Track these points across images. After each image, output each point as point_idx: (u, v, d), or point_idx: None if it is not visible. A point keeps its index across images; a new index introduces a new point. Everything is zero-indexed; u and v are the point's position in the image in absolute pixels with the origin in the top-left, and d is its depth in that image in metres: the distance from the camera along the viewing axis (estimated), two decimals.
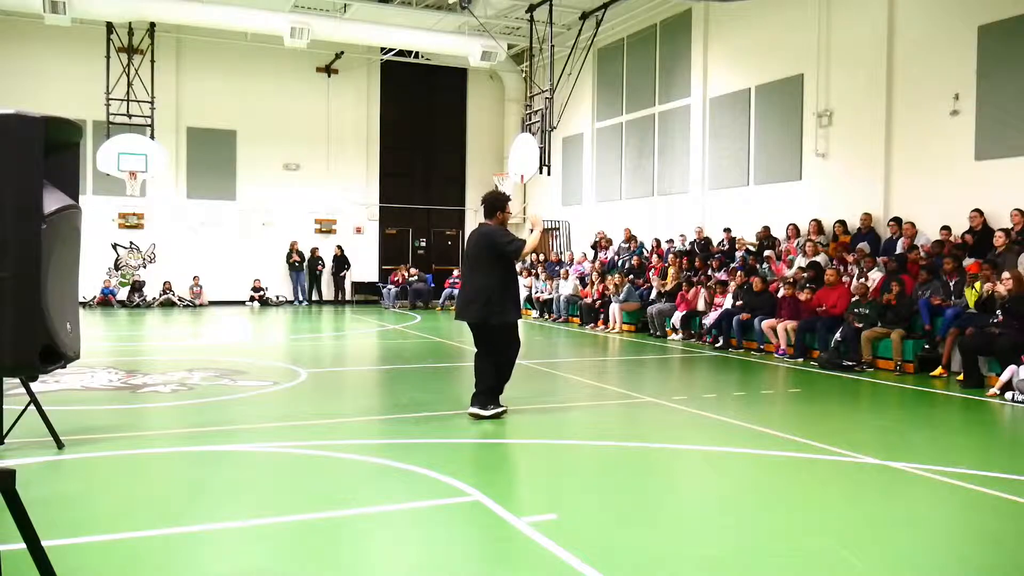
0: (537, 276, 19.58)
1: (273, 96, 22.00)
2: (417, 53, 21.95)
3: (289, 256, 22.06)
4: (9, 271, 2.10)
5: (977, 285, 9.68)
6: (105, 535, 4.01)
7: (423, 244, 24.32)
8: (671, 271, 15.18)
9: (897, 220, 12.37)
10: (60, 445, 5.62)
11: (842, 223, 13.38)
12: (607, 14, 17.40)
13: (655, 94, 18.48)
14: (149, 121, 18.79)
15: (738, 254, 14.76)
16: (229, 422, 6.84)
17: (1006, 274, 9.08)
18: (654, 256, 17.10)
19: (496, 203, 7.05)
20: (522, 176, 17.68)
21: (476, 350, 7.08)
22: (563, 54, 17.74)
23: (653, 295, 15.24)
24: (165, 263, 21.24)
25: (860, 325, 10.48)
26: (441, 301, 20.91)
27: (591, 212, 20.52)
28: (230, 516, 4.35)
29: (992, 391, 8.34)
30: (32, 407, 5.62)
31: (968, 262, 10.59)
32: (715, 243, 15.97)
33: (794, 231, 14.04)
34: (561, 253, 20.74)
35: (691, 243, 16.45)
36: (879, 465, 5.52)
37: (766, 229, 14.67)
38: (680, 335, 13.93)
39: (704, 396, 8.37)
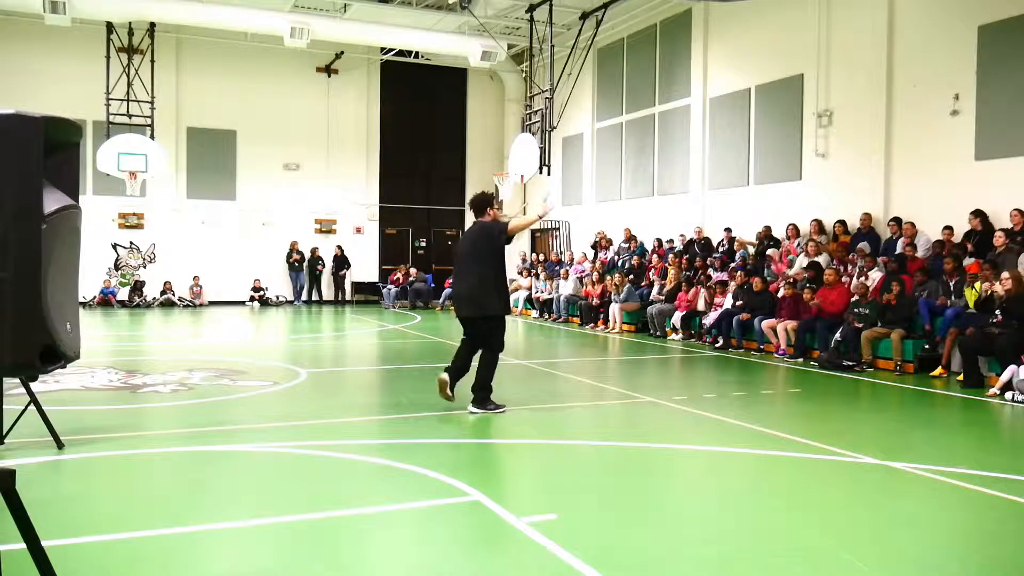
0: (537, 276, 19.58)
1: (273, 96, 22.00)
2: (417, 53, 21.95)
3: (289, 256, 22.06)
4: (9, 271, 2.10)
5: (977, 285, 9.68)
6: (105, 535, 4.01)
7: (423, 244, 24.32)
8: (671, 271, 15.18)
9: (897, 220, 12.37)
10: (60, 445, 5.62)
11: (842, 223, 13.38)
12: (607, 14, 17.40)
13: (655, 94, 18.48)
14: (149, 121, 18.79)
15: (738, 254, 14.76)
16: (229, 422, 6.84)
17: (1005, 274, 9.08)
18: (654, 256, 17.10)
19: (484, 202, 7.30)
20: (522, 176, 17.68)
21: (464, 339, 7.32)
22: (563, 54, 17.74)
23: (654, 294, 15.24)
24: (165, 263, 21.24)
25: (860, 325, 10.48)
26: (441, 301, 20.91)
27: (591, 212, 20.52)
28: (230, 516, 4.35)
29: (992, 391, 8.34)
30: (32, 407, 5.62)
31: (968, 262, 10.59)
32: (715, 243, 15.97)
33: (794, 231, 14.04)
34: (561, 253, 20.74)
35: (690, 240, 16.44)
36: (879, 465, 5.52)
37: (766, 229, 14.67)
38: (680, 335, 13.93)
39: (704, 396, 8.37)
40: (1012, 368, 8.22)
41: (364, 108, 23.15)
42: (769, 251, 14.03)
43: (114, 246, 20.95)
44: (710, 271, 14.58)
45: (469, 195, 24.43)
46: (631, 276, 16.20)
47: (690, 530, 4.28)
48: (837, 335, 10.57)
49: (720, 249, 15.49)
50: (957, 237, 11.38)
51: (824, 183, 14.15)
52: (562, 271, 18.72)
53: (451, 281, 7.34)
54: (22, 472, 2.53)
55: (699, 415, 7.28)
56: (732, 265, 14.18)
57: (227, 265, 21.65)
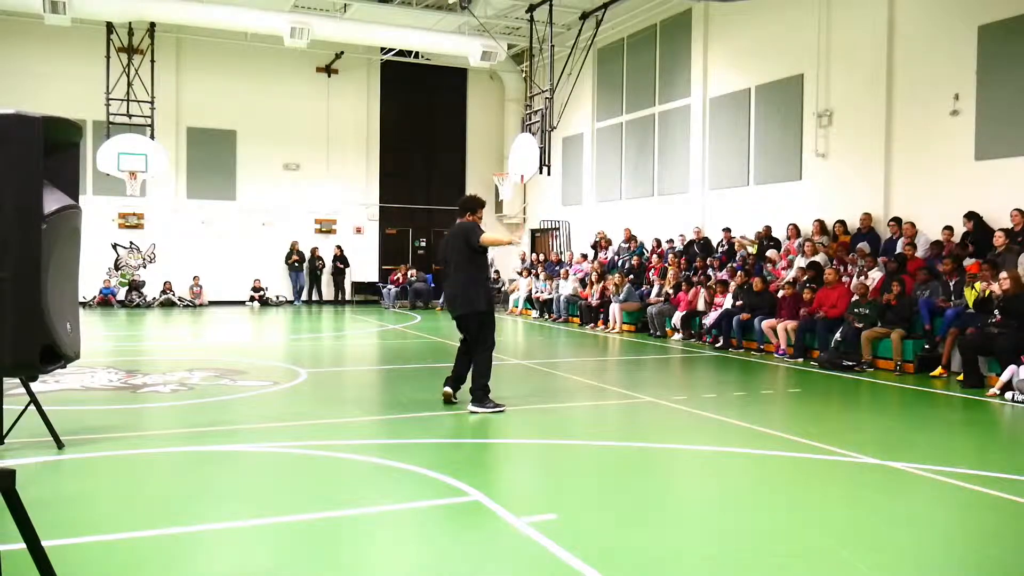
0: (537, 276, 19.58)
1: (273, 96, 22.00)
2: (417, 53, 21.94)
3: (289, 256, 22.06)
4: (9, 271, 2.10)
5: (977, 285, 9.68)
6: (105, 535, 4.01)
7: (423, 244, 24.32)
8: (670, 272, 15.18)
9: (897, 220, 12.37)
10: (60, 445, 5.62)
11: (842, 223, 13.38)
12: (607, 14, 17.40)
13: (655, 94, 18.48)
14: (149, 121, 18.79)
15: (738, 254, 14.76)
16: (229, 422, 6.84)
17: (1003, 274, 9.09)
18: (654, 256, 17.10)
19: (467, 205, 7.40)
20: (522, 176, 17.67)
21: (460, 346, 7.48)
22: (563, 54, 17.74)
23: (654, 295, 15.24)
24: (165, 263, 21.24)
25: (860, 325, 10.49)
26: (441, 301, 20.88)
27: (591, 212, 20.52)
28: (230, 516, 4.35)
29: (992, 391, 8.34)
30: (32, 407, 5.62)
31: (968, 262, 10.59)
32: (715, 243, 15.97)
33: (794, 231, 14.04)
34: (561, 253, 20.74)
35: (690, 240, 16.44)
36: (879, 465, 5.52)
37: (766, 229, 14.68)
38: (680, 335, 13.93)
39: (704, 396, 8.37)
40: (1012, 368, 8.22)
41: (364, 108, 23.15)
42: (769, 252, 14.03)
43: (114, 246, 20.95)
44: (710, 271, 14.58)
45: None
46: (631, 276, 16.20)
47: (690, 530, 4.28)
48: (837, 335, 10.58)
49: (720, 249, 15.50)
50: (956, 237, 11.38)
51: (824, 183, 14.15)
52: (562, 271, 18.71)
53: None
54: (22, 472, 2.53)
55: (699, 415, 7.28)
56: (732, 265, 14.18)
57: (227, 265, 21.65)
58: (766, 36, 15.39)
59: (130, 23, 18.94)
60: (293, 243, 22.07)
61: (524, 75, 21.71)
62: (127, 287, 20.80)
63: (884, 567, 3.69)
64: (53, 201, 2.24)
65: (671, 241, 17.06)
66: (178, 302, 20.89)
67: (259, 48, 21.23)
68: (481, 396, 7.23)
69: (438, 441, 6.32)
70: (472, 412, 7.14)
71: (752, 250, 14.52)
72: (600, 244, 19.05)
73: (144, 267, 21.21)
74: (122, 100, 18.73)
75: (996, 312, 9.04)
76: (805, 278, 12.13)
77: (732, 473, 5.53)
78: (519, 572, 3.62)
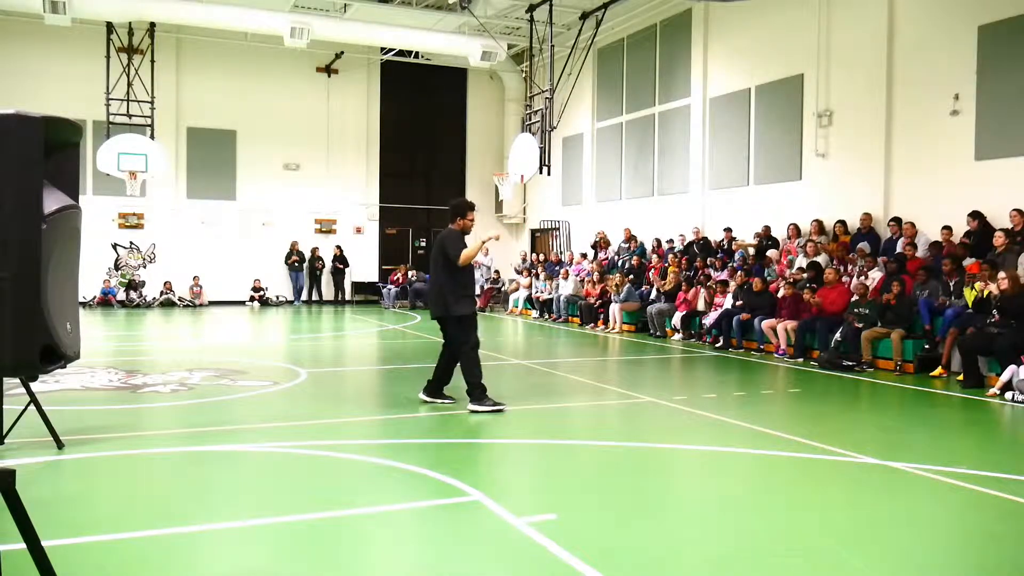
0: (537, 276, 19.58)
1: (273, 96, 22.00)
2: (417, 53, 21.94)
3: (289, 256, 22.06)
4: (9, 271, 2.10)
5: (977, 285, 9.68)
6: (105, 535, 4.01)
7: (423, 244, 24.31)
8: (670, 272, 15.18)
9: (897, 220, 12.37)
10: (60, 445, 5.62)
11: (842, 223, 13.38)
12: (607, 14, 17.40)
13: (655, 94, 18.48)
14: (149, 121, 18.80)
15: (737, 254, 14.76)
16: (229, 422, 6.84)
17: (1001, 274, 9.09)
18: (654, 256, 17.10)
19: (456, 209, 7.51)
20: (522, 176, 17.68)
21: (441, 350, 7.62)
22: (563, 54, 17.74)
23: (653, 295, 15.24)
24: (165, 263, 21.24)
25: (860, 325, 10.48)
26: None
27: (591, 212, 20.52)
28: (230, 516, 4.35)
29: (992, 391, 8.34)
30: (32, 407, 5.62)
31: (968, 262, 10.59)
32: (715, 243, 15.97)
33: (794, 231, 14.04)
34: (561, 253, 20.74)
35: (690, 240, 16.44)
36: (879, 465, 5.52)
37: (766, 229, 14.68)
38: (680, 335, 13.93)
39: (704, 396, 8.37)
40: (1012, 368, 8.22)
41: (364, 108, 23.15)
42: (770, 252, 14.03)
43: (114, 246, 20.95)
44: (710, 271, 14.58)
45: (469, 195, 24.72)
46: (631, 276, 16.20)
47: (690, 530, 4.28)
48: (837, 335, 10.57)
49: (720, 249, 15.50)
50: (956, 237, 11.38)
51: (824, 183, 14.15)
52: (562, 271, 18.72)
53: None
54: (22, 472, 2.53)
55: (699, 415, 7.28)
56: (732, 265, 14.18)
57: (227, 265, 21.65)
58: (766, 36, 15.39)
59: (130, 23, 18.94)
60: (293, 243, 22.07)
61: (524, 75, 21.72)
62: (127, 287, 20.80)
63: (884, 567, 3.69)
64: (53, 201, 2.24)
65: (671, 241, 17.07)
66: (178, 302, 20.89)
67: (259, 48, 21.23)
68: (479, 395, 7.24)
69: (438, 441, 6.32)
70: (472, 411, 7.16)
71: (751, 251, 14.52)
72: (600, 244, 19.04)
73: (144, 267, 21.21)
74: (122, 100, 18.74)
75: (995, 312, 9.04)
76: (805, 278, 12.13)
77: (732, 473, 5.53)
78: (519, 572, 3.62)
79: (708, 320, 13.26)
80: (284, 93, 22.11)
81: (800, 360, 11.14)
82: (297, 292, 22.11)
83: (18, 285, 2.11)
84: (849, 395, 8.75)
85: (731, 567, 3.68)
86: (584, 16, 17.90)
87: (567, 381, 9.42)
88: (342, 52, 21.85)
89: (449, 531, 4.20)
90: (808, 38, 14.34)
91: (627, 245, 18.06)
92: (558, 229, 22.06)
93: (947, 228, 11.52)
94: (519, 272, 20.74)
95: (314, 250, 22.38)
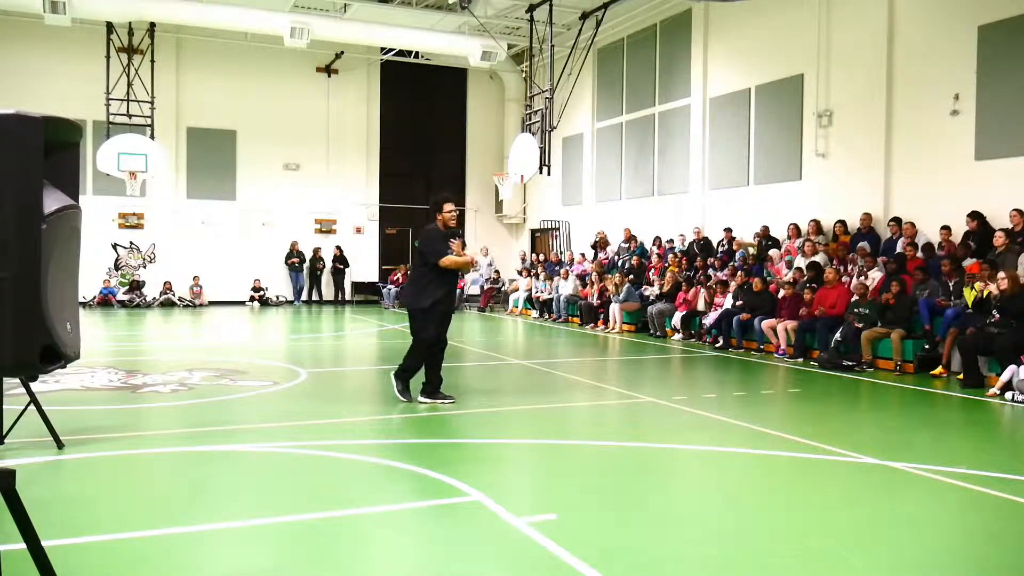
0: (537, 276, 19.58)
1: (273, 96, 22.00)
2: (417, 53, 21.94)
3: (289, 257, 22.05)
4: (9, 271, 2.10)
5: (977, 285, 9.68)
6: (105, 535, 4.01)
7: None
8: (668, 272, 15.18)
9: (897, 220, 12.37)
10: (60, 445, 5.62)
11: (842, 223, 13.38)
12: (607, 14, 17.40)
13: (655, 94, 18.48)
14: (149, 121, 18.80)
15: (737, 254, 14.76)
16: (229, 422, 6.84)
17: (1001, 274, 9.09)
18: (654, 256, 17.10)
19: (434, 206, 7.69)
20: (522, 176, 17.68)
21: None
22: (563, 54, 17.74)
23: (652, 295, 15.24)
24: (165, 263, 21.24)
25: (860, 325, 10.48)
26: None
27: (591, 212, 20.52)
28: (230, 516, 4.35)
29: (992, 391, 8.34)
30: (32, 407, 5.62)
31: (968, 262, 10.59)
32: (715, 243, 15.97)
33: (794, 231, 14.04)
34: (561, 253, 20.74)
35: (690, 240, 16.44)
36: (879, 465, 5.52)
37: (765, 229, 14.68)
38: (680, 335, 13.93)
39: (704, 396, 8.37)
40: (1012, 368, 8.22)
41: (364, 108, 23.15)
42: (772, 251, 14.03)
43: (114, 246, 20.95)
44: (710, 271, 14.58)
45: (469, 195, 24.71)
46: (631, 276, 16.20)
47: (690, 530, 4.28)
48: (837, 335, 10.57)
49: (720, 249, 15.50)
50: (956, 237, 11.38)
51: (824, 183, 14.15)
52: (562, 271, 18.72)
53: None
54: (22, 472, 2.53)
55: (699, 415, 7.28)
56: (732, 264, 14.18)
57: (227, 265, 21.65)
58: (766, 36, 15.39)
59: (130, 23, 18.94)
60: (293, 243, 22.07)
61: (524, 75, 21.71)
62: (127, 287, 20.80)
63: (884, 567, 3.69)
64: (53, 201, 2.24)
65: (671, 241, 17.07)
66: (178, 302, 20.89)
67: (259, 48, 21.23)
68: (400, 375, 7.63)
69: (438, 441, 6.32)
70: (395, 396, 7.61)
71: (752, 251, 14.53)
72: (600, 244, 19.04)
73: (144, 267, 21.21)
74: (122, 100, 18.74)
75: (995, 312, 9.04)
76: (805, 278, 12.13)
77: (732, 473, 5.53)
78: (519, 572, 3.62)
79: (708, 320, 13.26)
80: (284, 93, 22.12)
81: (800, 360, 11.14)
82: (297, 292, 22.11)
83: (18, 285, 2.11)
84: (849, 395, 8.75)
85: (731, 567, 3.68)
86: (584, 16, 17.90)
87: (567, 381, 9.42)
88: (342, 52, 21.85)
89: (449, 531, 4.20)
90: (808, 38, 14.34)
91: (627, 245, 18.06)
92: (558, 229, 22.06)
93: (947, 228, 11.52)
94: (519, 273, 20.74)
95: (316, 250, 22.39)
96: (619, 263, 17.56)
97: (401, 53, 21.93)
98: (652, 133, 18.58)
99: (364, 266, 23.42)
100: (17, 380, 6.57)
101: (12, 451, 5.55)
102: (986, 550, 4.05)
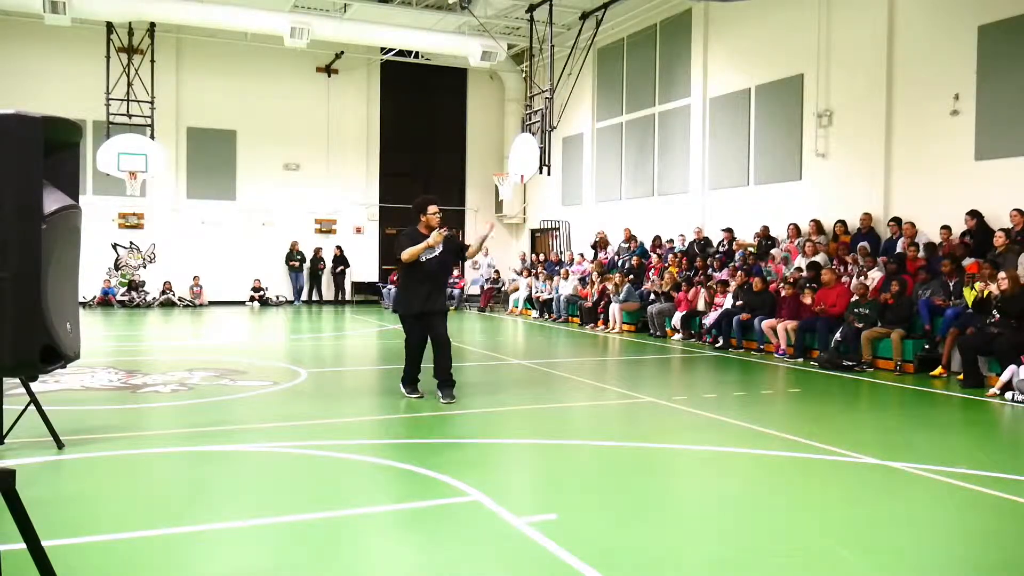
0: (537, 276, 19.58)
1: (273, 96, 22.00)
2: (417, 53, 21.94)
3: (289, 258, 22.05)
4: (9, 271, 2.10)
5: (977, 285, 9.68)
6: (105, 535, 4.01)
7: None
8: (668, 272, 15.18)
9: (897, 220, 12.37)
10: (60, 445, 5.62)
11: (842, 223, 13.38)
12: (607, 14, 17.40)
13: (655, 94, 18.48)
14: (149, 121, 18.80)
15: (737, 254, 14.76)
16: (229, 422, 6.84)
17: (1001, 274, 9.09)
18: (654, 256, 17.10)
19: (417, 208, 7.84)
20: (522, 176, 17.68)
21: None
22: (563, 54, 17.74)
23: (652, 295, 15.24)
24: (165, 263, 21.24)
25: (860, 325, 10.48)
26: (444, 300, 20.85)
27: (591, 212, 20.52)
28: (230, 516, 4.35)
29: (992, 391, 8.34)
30: (32, 407, 5.62)
31: (968, 262, 10.59)
32: (715, 243, 15.97)
33: (794, 231, 14.04)
34: (561, 253, 20.74)
35: (690, 240, 16.44)
36: (879, 465, 5.52)
37: (766, 229, 14.68)
38: (680, 335, 13.93)
39: (704, 396, 8.37)
40: (1012, 368, 8.22)
41: (364, 108, 23.14)
42: (773, 251, 14.03)
43: (114, 246, 20.95)
44: (710, 271, 14.58)
45: (469, 195, 24.70)
46: (631, 276, 16.20)
47: (690, 530, 4.28)
48: (837, 335, 10.57)
49: (720, 249, 15.50)
50: (956, 237, 11.38)
51: (824, 183, 14.15)
52: (562, 271, 18.72)
53: None
54: (22, 472, 2.53)
55: (699, 415, 7.28)
56: (733, 264, 14.18)
57: (227, 265, 21.65)
58: (766, 36, 15.39)
59: (130, 23, 18.94)
60: (293, 243, 22.07)
61: (524, 75, 21.72)
62: (127, 287, 20.80)
63: (884, 567, 3.69)
64: (53, 201, 2.24)
65: (671, 241, 17.06)
66: (178, 302, 20.89)
67: (259, 48, 21.23)
68: (403, 380, 7.97)
69: (438, 441, 6.32)
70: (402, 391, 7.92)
71: (752, 250, 14.53)
72: (601, 245, 19.03)
73: (144, 267, 21.21)
74: (122, 100, 18.74)
75: (995, 312, 9.04)
76: (804, 276, 12.12)
77: (732, 473, 5.52)
78: (519, 572, 3.62)
79: (708, 320, 13.25)
80: (284, 93, 22.11)
81: (800, 360, 11.14)
82: (297, 292, 22.11)
83: (18, 285, 2.11)
84: (849, 395, 8.75)
85: (731, 567, 3.68)
86: (584, 16, 17.90)
87: (567, 381, 9.42)
88: (342, 52, 21.85)
89: (449, 531, 4.20)
90: (808, 38, 14.34)
91: (627, 245, 18.06)
92: (558, 229, 22.06)
93: (947, 228, 11.52)
94: (519, 273, 20.74)
95: (317, 250, 22.39)
96: (619, 263, 17.55)
97: (401, 53, 21.93)
98: (652, 133, 18.58)
99: (364, 266, 23.42)
100: (17, 380, 6.58)
101: (12, 451, 5.55)
102: (986, 550, 4.05)
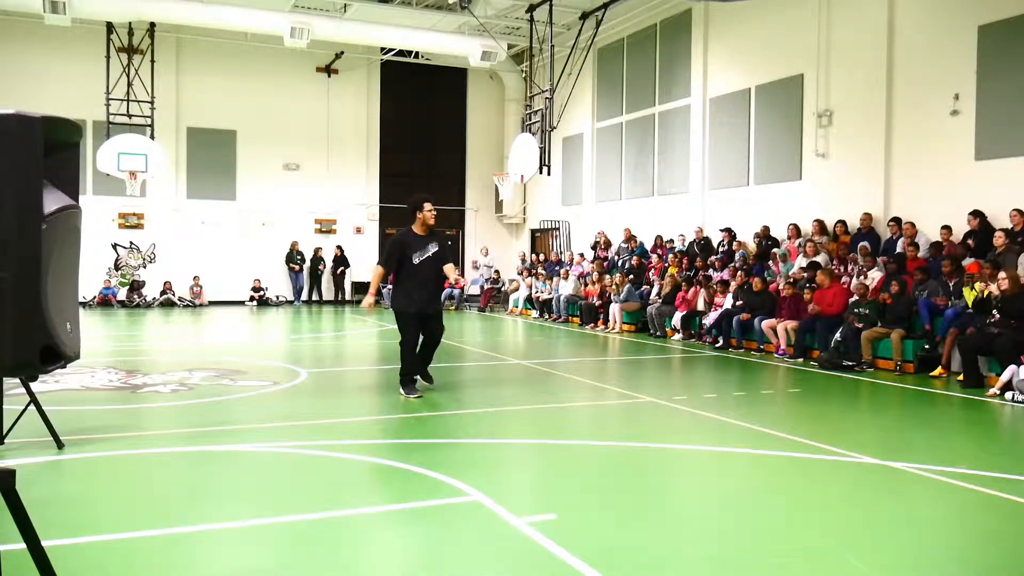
0: (537, 276, 19.58)
1: (273, 96, 22.00)
2: (417, 53, 21.94)
3: (290, 258, 22.04)
4: (9, 271, 2.10)
5: (977, 286, 9.68)
6: (105, 535, 4.01)
7: None
8: (668, 273, 15.18)
9: (897, 220, 12.37)
10: (60, 445, 5.62)
11: (842, 223, 13.38)
12: (607, 14, 17.39)
13: (655, 94, 18.47)
14: (149, 121, 18.80)
15: (737, 254, 14.76)
16: (229, 422, 6.84)
17: (1001, 274, 9.09)
18: (654, 256, 17.10)
19: (410, 207, 8.04)
20: (522, 176, 17.68)
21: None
22: (563, 54, 17.74)
23: (653, 295, 15.24)
24: (165, 263, 21.24)
25: (860, 325, 10.48)
26: (441, 300, 20.88)
27: (591, 212, 20.52)
28: (230, 516, 4.35)
29: (992, 391, 8.34)
30: (32, 407, 5.62)
31: (968, 262, 10.59)
32: (715, 243, 15.97)
33: (794, 231, 14.04)
34: (561, 253, 20.75)
35: (691, 240, 16.44)
36: (879, 465, 5.52)
37: (766, 229, 14.68)
38: (680, 335, 13.93)
39: (704, 396, 8.37)
40: (1012, 368, 8.22)
41: (364, 108, 23.14)
42: (774, 250, 14.03)
43: (114, 246, 20.95)
44: (710, 271, 14.58)
45: (469, 195, 24.71)
46: (631, 276, 16.20)
47: (690, 530, 4.28)
48: (837, 335, 10.57)
49: (720, 249, 15.50)
50: (956, 237, 11.38)
51: (824, 183, 14.15)
52: (562, 271, 18.72)
53: None
54: (22, 472, 2.53)
55: (699, 415, 7.28)
56: (733, 265, 14.18)
57: (227, 265, 21.65)
58: (766, 36, 15.39)
59: (130, 23, 18.94)
60: (293, 243, 22.07)
61: (524, 75, 21.71)
62: (127, 287, 20.80)
63: (884, 567, 3.69)
64: (53, 201, 2.24)
65: (671, 241, 17.06)
66: (178, 302, 20.89)
67: (259, 48, 21.23)
68: (401, 382, 7.97)
69: (438, 441, 6.32)
70: (399, 393, 7.90)
71: (752, 250, 14.53)
72: (601, 245, 19.02)
73: (144, 267, 21.21)
74: (122, 100, 18.74)
75: (995, 312, 9.04)
76: (805, 278, 12.12)
77: (732, 473, 5.52)
78: (519, 572, 3.62)
79: (708, 320, 13.25)
80: (284, 93, 22.11)
81: (800, 360, 11.14)
82: (297, 292, 22.11)
83: (18, 285, 2.11)
84: (849, 395, 8.75)
85: (731, 567, 3.68)
86: (584, 16, 17.90)
87: (567, 381, 9.42)
88: (342, 52, 21.85)
89: (449, 531, 4.20)
90: (808, 38, 14.34)
91: (627, 245, 18.06)
92: (558, 229, 22.06)
93: (947, 228, 11.52)
94: (519, 273, 20.74)
95: (316, 250, 22.38)
96: (619, 263, 17.55)
97: (401, 53, 21.93)
98: (652, 133, 18.58)
99: (364, 266, 23.41)
100: (17, 380, 6.58)
101: (12, 451, 5.55)
102: (986, 550, 4.05)
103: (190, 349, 12.44)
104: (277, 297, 22.16)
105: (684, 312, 14.00)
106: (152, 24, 19.11)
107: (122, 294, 20.70)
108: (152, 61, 19.37)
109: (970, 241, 11.03)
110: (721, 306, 13.17)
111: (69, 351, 2.32)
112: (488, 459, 5.95)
